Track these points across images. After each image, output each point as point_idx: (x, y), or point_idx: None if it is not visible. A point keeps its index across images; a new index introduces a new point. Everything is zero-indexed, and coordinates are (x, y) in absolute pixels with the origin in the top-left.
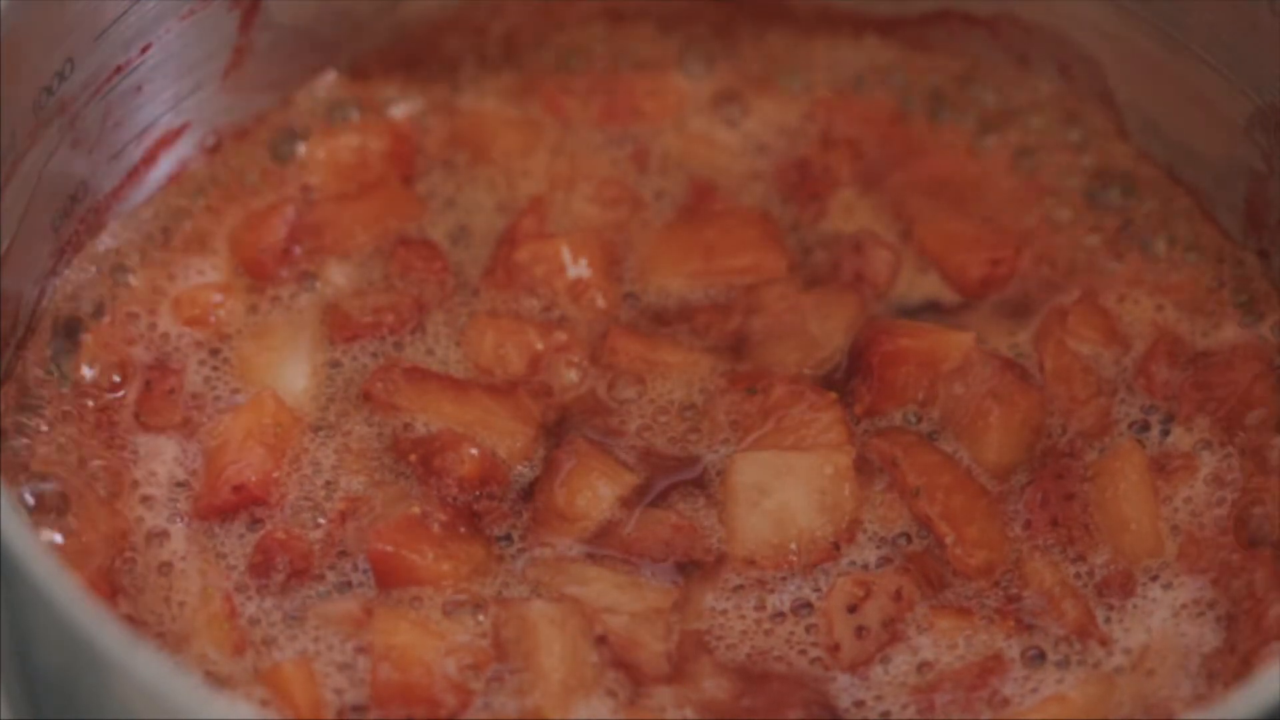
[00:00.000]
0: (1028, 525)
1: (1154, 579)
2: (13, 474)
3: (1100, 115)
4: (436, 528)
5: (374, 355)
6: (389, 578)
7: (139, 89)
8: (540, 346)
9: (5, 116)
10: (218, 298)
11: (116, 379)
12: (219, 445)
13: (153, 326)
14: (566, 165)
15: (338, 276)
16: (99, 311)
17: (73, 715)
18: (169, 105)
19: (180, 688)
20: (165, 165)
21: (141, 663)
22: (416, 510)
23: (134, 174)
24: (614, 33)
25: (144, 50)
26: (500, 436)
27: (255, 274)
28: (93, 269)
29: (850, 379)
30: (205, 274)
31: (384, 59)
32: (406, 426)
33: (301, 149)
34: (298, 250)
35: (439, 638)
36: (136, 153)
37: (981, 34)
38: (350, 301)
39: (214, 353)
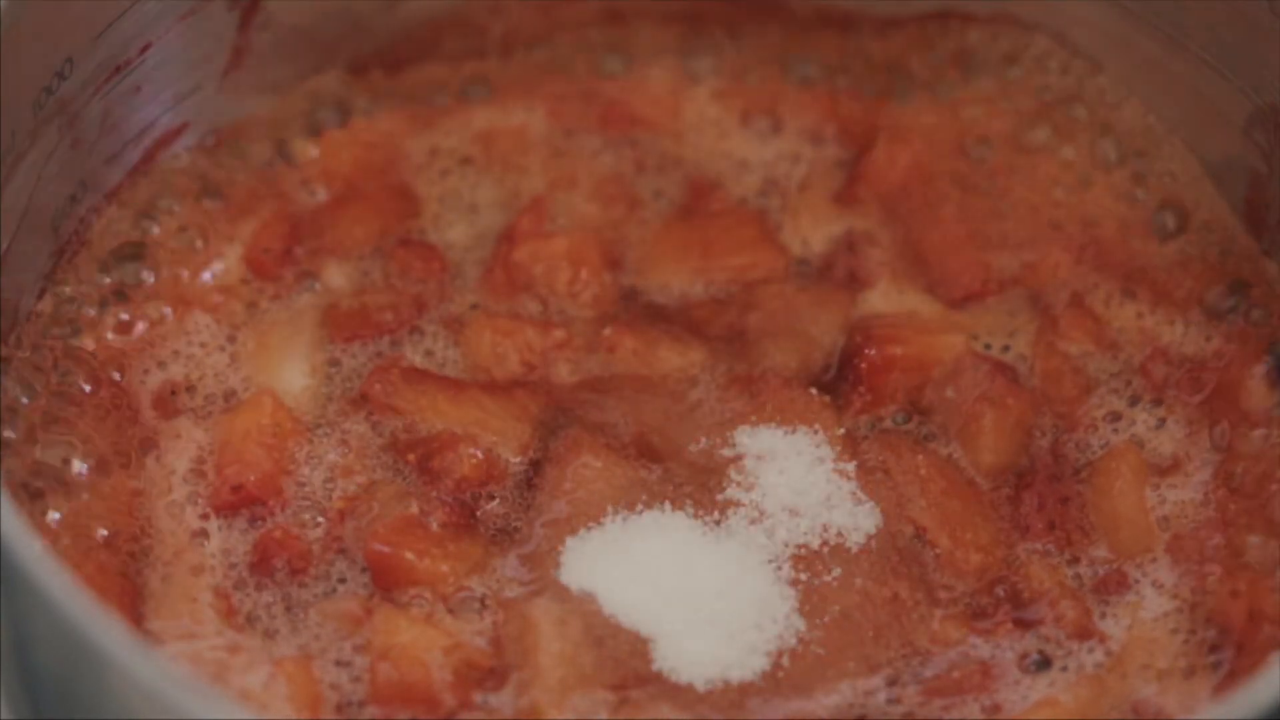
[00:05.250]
0: (1025, 529)
1: (1143, 577)
2: (12, 473)
3: (1100, 115)
4: (435, 527)
5: (373, 355)
6: (387, 577)
7: (138, 89)
8: (538, 345)
9: (5, 116)
10: (217, 298)
11: (116, 378)
12: (219, 445)
13: (152, 327)
14: (565, 165)
15: (337, 277)
16: (97, 312)
17: (73, 715)
18: (168, 105)
19: (180, 688)
20: (164, 165)
21: (141, 663)
22: (415, 510)
23: (133, 174)
24: (614, 33)
25: (143, 50)
26: (498, 436)
27: (255, 274)
28: (92, 269)
29: (841, 382)
30: (205, 274)
31: (384, 59)
32: (405, 427)
33: (301, 149)
34: (298, 250)
35: (438, 637)
36: (136, 153)
37: (981, 34)
38: (349, 301)
39: (214, 352)
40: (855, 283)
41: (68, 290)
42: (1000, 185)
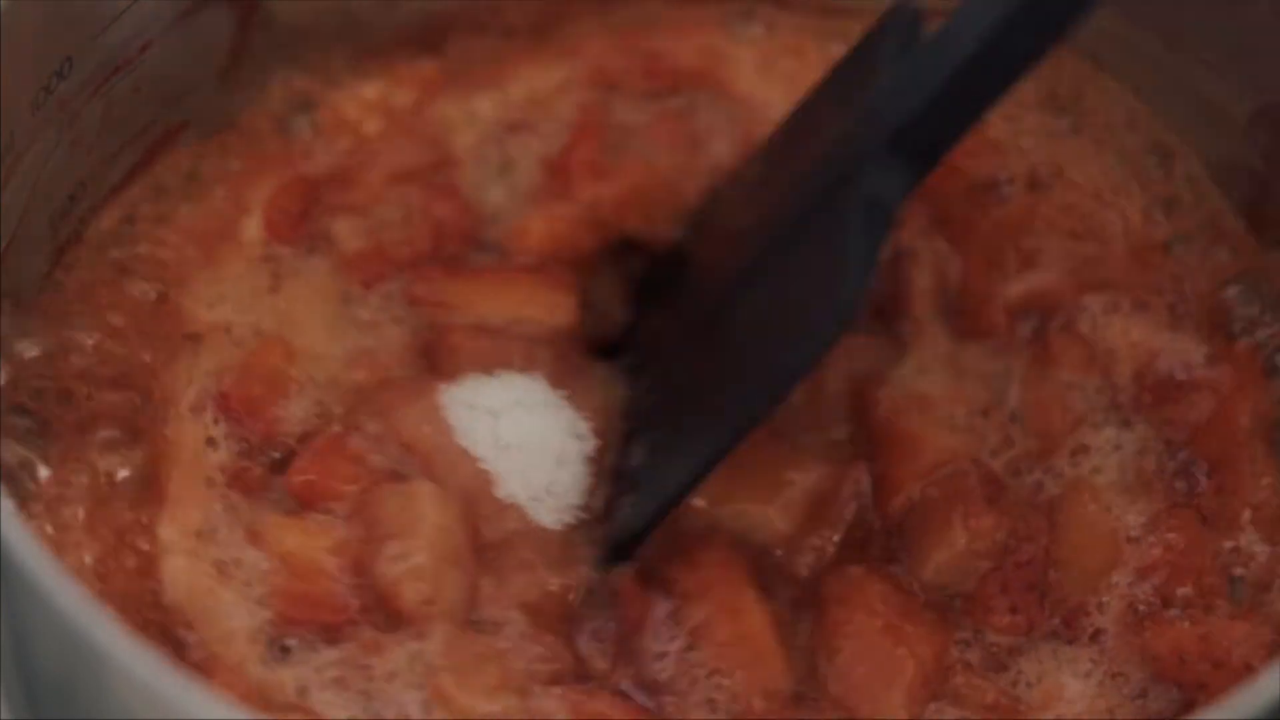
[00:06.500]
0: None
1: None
2: (13, 473)
3: (1099, 116)
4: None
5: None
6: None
7: (138, 88)
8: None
9: (5, 116)
10: (215, 298)
11: (112, 378)
12: (222, 372)
13: (151, 328)
14: (612, 120)
15: (354, 238)
16: (96, 312)
17: (73, 715)
18: (168, 104)
19: (180, 688)
20: (164, 164)
21: (141, 663)
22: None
23: (133, 173)
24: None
25: (143, 49)
26: (546, 310)
27: (256, 272)
28: (91, 269)
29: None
30: (204, 274)
31: (383, 58)
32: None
33: (300, 149)
34: (299, 246)
35: (322, 538)
36: (135, 152)
37: None
38: (363, 242)
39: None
40: (897, 306)
41: (66, 289)
42: (1004, 188)
